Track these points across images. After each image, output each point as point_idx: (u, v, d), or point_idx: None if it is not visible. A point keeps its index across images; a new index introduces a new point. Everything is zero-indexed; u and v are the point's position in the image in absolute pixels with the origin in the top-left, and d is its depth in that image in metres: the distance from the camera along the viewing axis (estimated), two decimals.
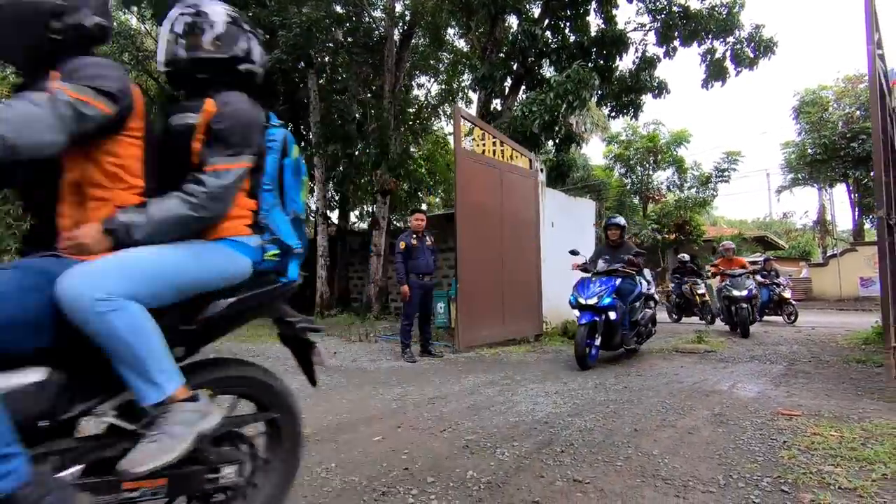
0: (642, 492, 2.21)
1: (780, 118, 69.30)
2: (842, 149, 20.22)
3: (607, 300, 5.33)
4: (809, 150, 21.56)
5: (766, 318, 10.64)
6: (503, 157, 7.84)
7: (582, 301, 5.40)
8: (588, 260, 6.10)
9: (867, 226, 23.01)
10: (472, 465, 2.55)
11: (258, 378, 1.68)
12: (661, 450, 2.74)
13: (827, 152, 20.66)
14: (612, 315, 5.35)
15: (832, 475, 2.31)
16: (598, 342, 5.40)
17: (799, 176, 24.05)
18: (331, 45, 11.43)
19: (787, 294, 10.43)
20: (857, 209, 22.64)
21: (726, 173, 20.39)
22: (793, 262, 23.72)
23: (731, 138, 76.74)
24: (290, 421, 1.75)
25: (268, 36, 11.70)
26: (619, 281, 5.54)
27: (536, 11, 11.64)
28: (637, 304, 5.90)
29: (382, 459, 2.66)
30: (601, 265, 5.78)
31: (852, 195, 22.67)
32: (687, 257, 11.74)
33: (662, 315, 10.06)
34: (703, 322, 10.32)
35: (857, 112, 20.21)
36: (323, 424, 3.33)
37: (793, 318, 10.31)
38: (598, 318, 5.33)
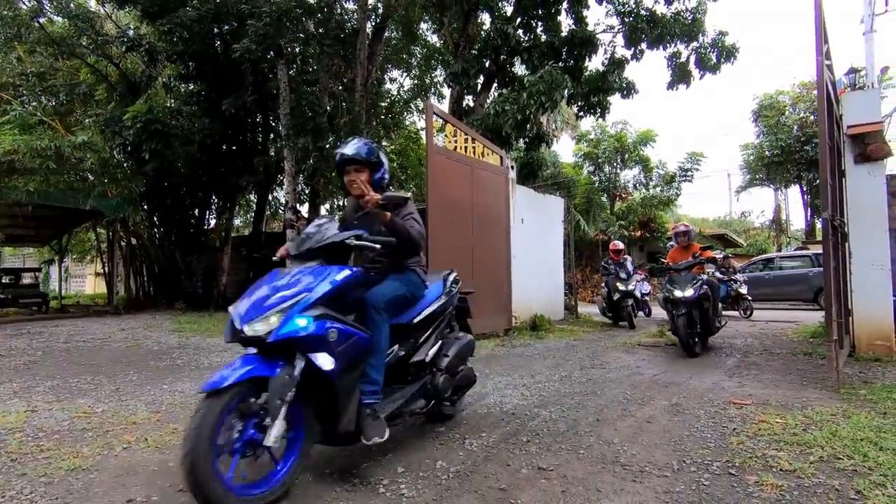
0: (602, 477, 2.34)
1: (741, 121, 71.84)
2: (796, 152, 21.21)
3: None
4: (767, 153, 22.51)
5: (723, 313, 11.08)
6: (475, 153, 7.93)
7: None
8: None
9: (819, 225, 24.22)
10: (442, 456, 2.63)
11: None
12: (620, 438, 2.88)
13: (783, 155, 21.64)
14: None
15: (775, 458, 2.48)
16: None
17: (757, 177, 25.11)
18: (302, 35, 11.22)
19: (744, 290, 10.92)
20: (809, 209, 23.80)
21: (689, 173, 21.16)
22: (750, 259, 24.74)
23: (694, 139, 79.25)
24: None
25: (236, 24, 11.44)
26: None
27: (509, 9, 11.75)
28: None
29: (353, 450, 2.71)
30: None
31: (805, 196, 23.81)
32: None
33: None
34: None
35: (811, 117, 21.21)
36: None
37: (748, 312, 10.82)
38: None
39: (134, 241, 14.92)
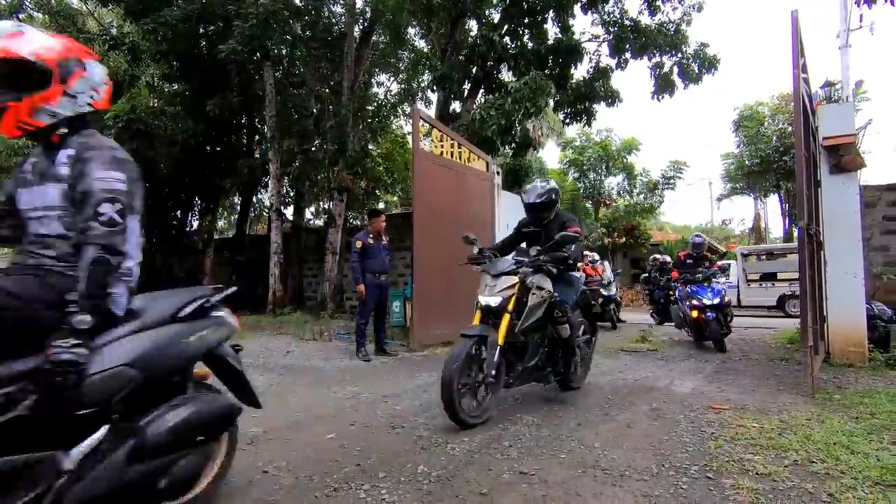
0: (582, 481, 2.36)
1: (722, 131, 73.31)
2: (775, 162, 21.71)
3: None
4: (747, 162, 23.01)
5: None
6: (461, 158, 7.96)
7: None
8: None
9: (796, 234, 24.76)
10: (424, 461, 2.62)
11: None
12: (601, 442, 2.91)
13: (762, 164, 22.14)
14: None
15: (751, 462, 2.53)
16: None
17: (737, 186, 25.63)
18: (288, 37, 11.17)
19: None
20: (787, 218, 24.34)
21: (672, 181, 21.51)
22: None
23: (677, 148, 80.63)
24: None
25: (222, 25, 11.35)
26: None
27: (496, 17, 11.85)
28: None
29: (335, 456, 2.69)
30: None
31: (784, 205, 24.36)
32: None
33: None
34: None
35: (790, 128, 21.74)
36: (275, 424, 3.31)
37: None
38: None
39: None
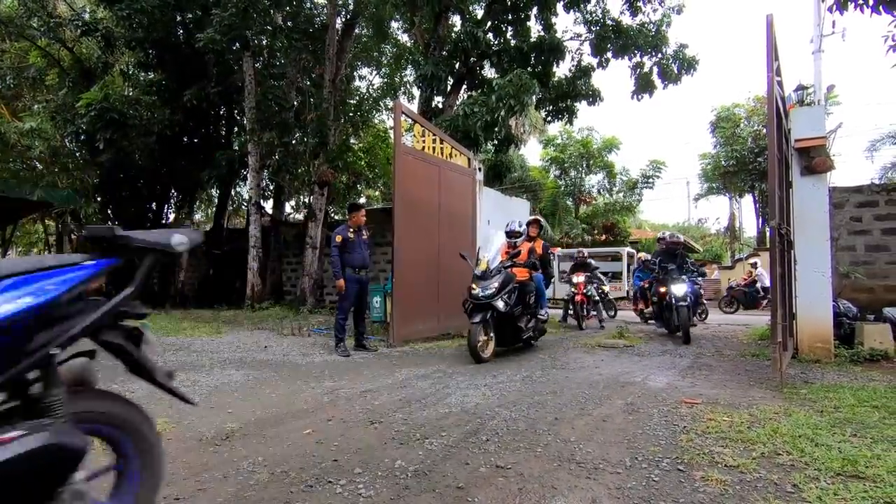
0: (558, 475, 2.39)
1: (700, 131, 74.71)
2: (750, 162, 22.21)
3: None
4: (723, 163, 23.50)
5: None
6: (443, 154, 7.95)
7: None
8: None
9: (768, 233, 25.42)
10: (401, 455, 2.63)
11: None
12: (577, 436, 2.95)
13: (738, 165, 22.63)
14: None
15: (721, 455, 2.60)
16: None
17: (713, 185, 26.17)
18: (269, 28, 10.99)
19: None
20: (760, 218, 24.96)
21: (651, 180, 21.87)
22: (706, 264, 25.78)
23: (656, 147, 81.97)
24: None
25: (200, 13, 11.10)
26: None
27: (480, 13, 11.85)
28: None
29: (311, 452, 2.67)
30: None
31: (757, 205, 24.97)
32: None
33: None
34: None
35: (764, 129, 22.25)
36: (251, 419, 3.27)
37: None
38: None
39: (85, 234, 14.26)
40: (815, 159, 5.68)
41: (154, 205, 14.72)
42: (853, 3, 5.17)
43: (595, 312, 10.19)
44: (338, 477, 2.34)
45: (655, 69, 11.90)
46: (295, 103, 12.44)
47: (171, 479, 2.24)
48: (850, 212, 7.95)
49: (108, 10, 11.54)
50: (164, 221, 14.98)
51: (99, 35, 12.02)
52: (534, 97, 11.06)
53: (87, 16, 12.83)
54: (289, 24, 11.81)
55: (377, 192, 20.44)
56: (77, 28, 11.91)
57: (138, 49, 12.11)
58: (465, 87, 11.65)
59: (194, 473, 2.38)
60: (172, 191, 15.00)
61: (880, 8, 5.11)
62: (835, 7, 5.38)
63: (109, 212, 14.16)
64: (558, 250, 16.54)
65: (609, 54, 11.77)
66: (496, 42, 11.34)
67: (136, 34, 11.20)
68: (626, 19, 11.65)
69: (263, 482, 2.28)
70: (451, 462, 2.55)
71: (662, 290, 7.78)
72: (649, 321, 9.94)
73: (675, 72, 11.75)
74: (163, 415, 3.21)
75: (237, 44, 10.71)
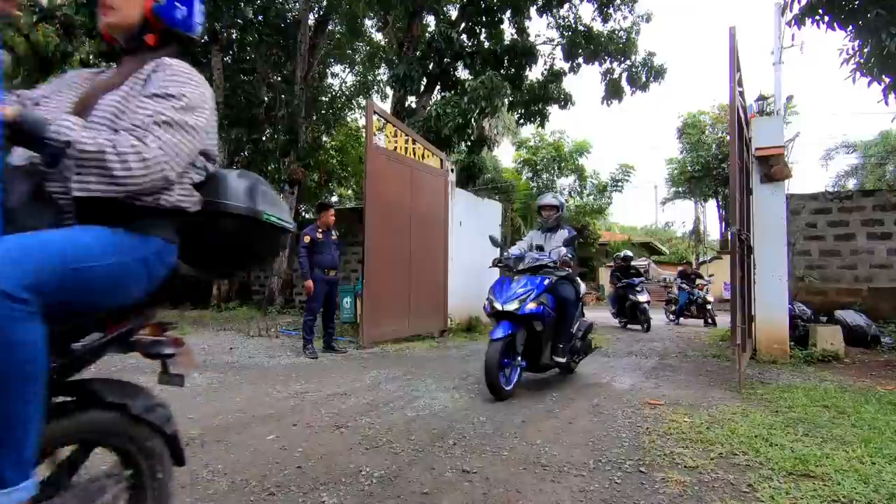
0: (523, 478, 2.40)
1: (667, 136, 76.84)
2: (714, 168, 22.91)
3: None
4: (689, 168, 24.16)
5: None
6: (415, 155, 7.92)
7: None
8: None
9: (730, 238, 26.29)
10: (367, 461, 2.59)
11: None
12: (543, 439, 2.98)
13: (703, 170, 23.31)
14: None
15: (681, 456, 2.67)
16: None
17: (680, 190, 26.88)
18: (239, 21, 10.74)
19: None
20: (724, 223, 25.80)
21: (620, 183, 22.31)
22: (673, 266, 26.49)
23: (626, 151, 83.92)
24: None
25: None
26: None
27: (454, 14, 11.86)
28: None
29: (275, 458, 2.61)
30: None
31: (721, 210, 25.79)
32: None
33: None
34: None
35: (728, 137, 23.00)
36: (212, 424, 3.18)
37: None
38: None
39: None
40: (773, 167, 5.90)
41: None
42: (811, 19, 5.41)
43: None
44: (301, 484, 2.29)
45: (625, 75, 12.14)
46: (265, 99, 12.20)
47: None
48: (806, 218, 8.30)
49: None
50: None
51: (57, 22, 11.49)
52: (506, 99, 11.14)
53: (44, 2, 12.26)
54: (259, 18, 11.56)
55: (350, 191, 20.22)
56: (33, 14, 11.37)
57: (99, 37, 11.64)
58: (438, 87, 11.64)
59: None
60: None
61: (835, 24, 5.35)
62: (793, 22, 5.62)
63: None
64: None
65: (580, 59, 11.95)
66: (470, 44, 11.37)
67: (98, 21, 10.77)
68: (598, 25, 11.85)
69: (223, 491, 2.22)
70: (418, 467, 2.53)
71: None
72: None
73: (644, 79, 12.02)
74: None
75: (205, 36, 10.42)
